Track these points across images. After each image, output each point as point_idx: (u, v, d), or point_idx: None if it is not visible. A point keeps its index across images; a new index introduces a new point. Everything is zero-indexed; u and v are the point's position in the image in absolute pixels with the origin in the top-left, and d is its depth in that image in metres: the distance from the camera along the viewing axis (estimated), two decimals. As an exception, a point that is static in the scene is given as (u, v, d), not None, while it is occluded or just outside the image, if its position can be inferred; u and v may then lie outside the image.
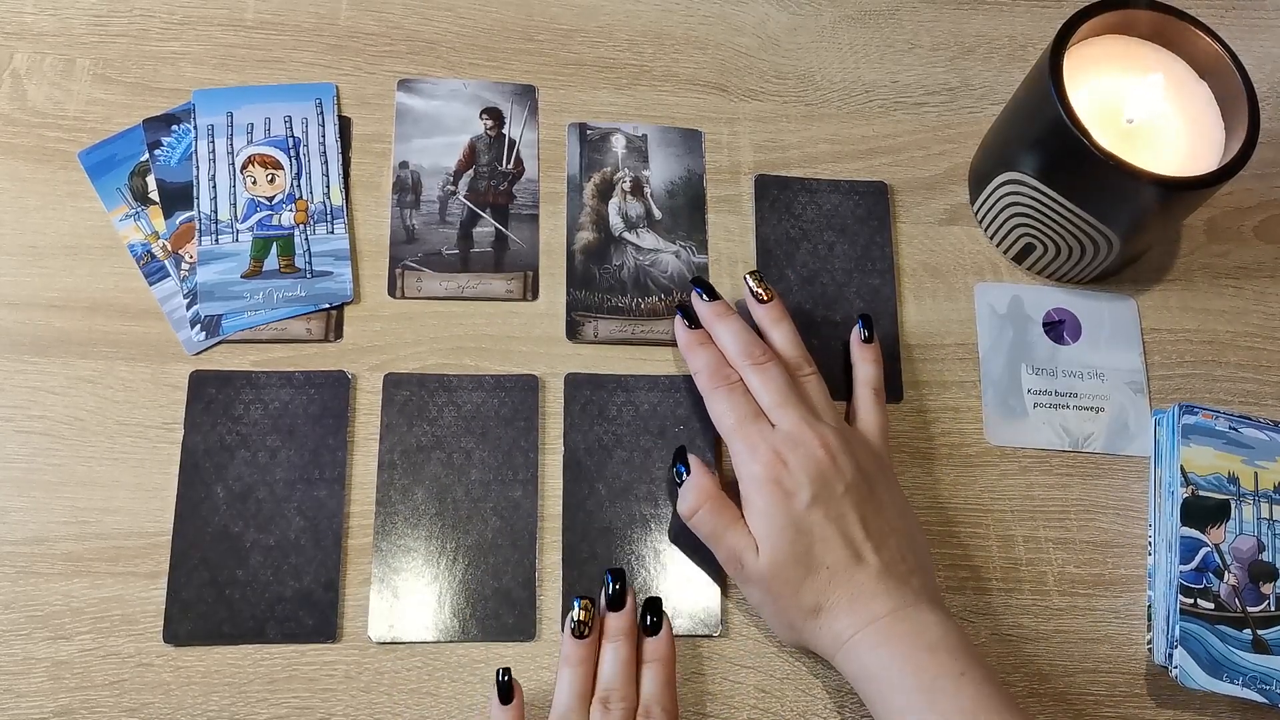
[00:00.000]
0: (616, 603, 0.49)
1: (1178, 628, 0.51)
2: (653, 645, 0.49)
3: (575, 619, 0.48)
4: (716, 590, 0.53)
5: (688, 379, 0.56)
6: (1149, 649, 0.53)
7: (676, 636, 0.52)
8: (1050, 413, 0.58)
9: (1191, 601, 0.52)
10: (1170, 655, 0.52)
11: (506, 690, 0.47)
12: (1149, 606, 0.54)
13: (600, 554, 0.53)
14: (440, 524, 0.52)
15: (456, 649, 0.51)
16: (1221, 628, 0.52)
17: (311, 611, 0.50)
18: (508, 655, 0.51)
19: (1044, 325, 0.60)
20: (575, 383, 0.56)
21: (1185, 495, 0.54)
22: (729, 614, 0.53)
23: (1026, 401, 0.58)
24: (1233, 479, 0.54)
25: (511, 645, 0.51)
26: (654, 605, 0.50)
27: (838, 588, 0.48)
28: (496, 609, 0.51)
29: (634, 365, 0.57)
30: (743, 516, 0.50)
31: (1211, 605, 0.52)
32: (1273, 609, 0.52)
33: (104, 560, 0.51)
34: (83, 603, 0.50)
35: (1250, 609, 0.52)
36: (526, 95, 0.62)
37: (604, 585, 0.50)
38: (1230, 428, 0.55)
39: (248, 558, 0.51)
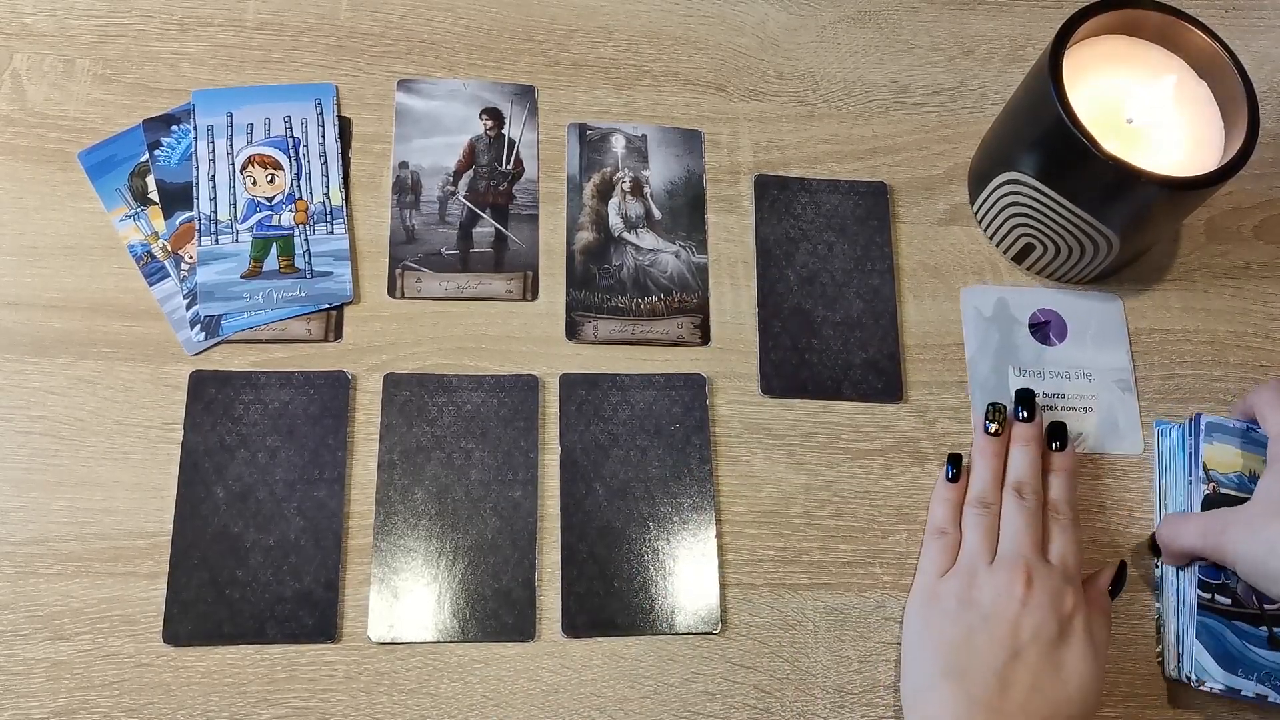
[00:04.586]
0: (1026, 420, 0.55)
1: (1195, 621, 0.51)
2: (1059, 458, 0.54)
3: (989, 421, 0.55)
4: (716, 589, 0.53)
5: (682, 377, 0.56)
6: (1159, 662, 0.54)
7: (675, 634, 0.52)
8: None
9: (1209, 596, 0.52)
10: (1179, 668, 0.52)
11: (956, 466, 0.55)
12: (1157, 620, 0.54)
13: (599, 554, 0.53)
14: (440, 524, 0.52)
15: (456, 649, 0.51)
16: (1238, 623, 0.52)
17: (311, 611, 0.50)
18: (508, 655, 0.51)
19: (1030, 326, 0.60)
20: (571, 382, 0.56)
21: (1207, 491, 0.54)
22: (729, 613, 0.53)
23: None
24: (1254, 478, 0.54)
25: (511, 645, 0.51)
26: (1059, 429, 0.55)
27: None
28: (496, 609, 0.51)
29: (633, 365, 0.57)
30: None
31: (1229, 601, 0.52)
32: None
33: (104, 560, 0.51)
34: (83, 603, 0.50)
35: (1267, 606, 0.52)
36: (526, 95, 0.62)
37: (1015, 407, 0.55)
38: (1248, 428, 0.55)
39: (248, 558, 0.51)
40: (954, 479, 0.54)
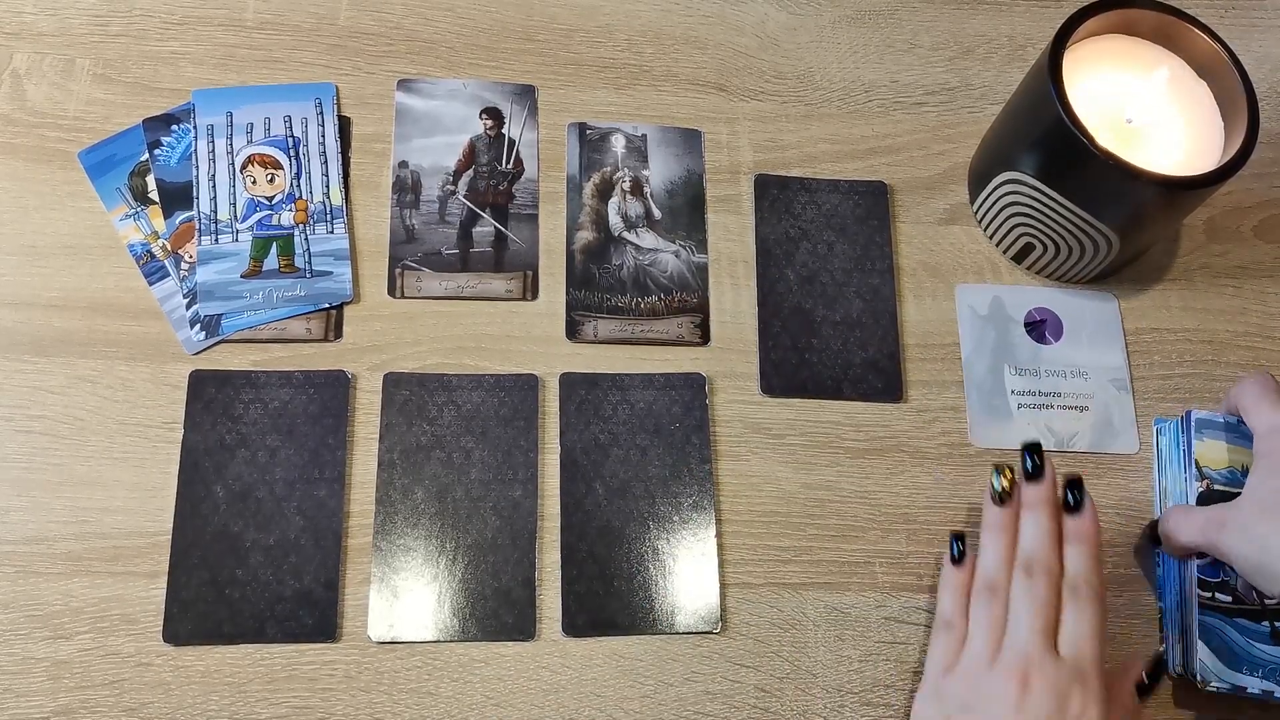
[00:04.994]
0: (1036, 474, 0.49)
1: (1196, 620, 0.51)
2: (1076, 523, 0.49)
3: (997, 487, 0.50)
4: (716, 588, 0.53)
5: (682, 377, 0.56)
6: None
7: (675, 634, 0.52)
8: (1034, 413, 0.58)
9: (1209, 595, 0.52)
10: (1184, 664, 0.52)
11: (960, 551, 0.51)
12: (1160, 619, 0.54)
13: (599, 553, 0.53)
14: (440, 523, 0.52)
15: (456, 648, 0.51)
16: (1240, 620, 0.52)
17: (311, 611, 0.50)
18: (508, 655, 0.51)
19: (1025, 325, 0.60)
20: (571, 382, 0.56)
21: (1200, 488, 0.54)
22: (729, 613, 0.53)
23: (1010, 403, 0.58)
24: (1245, 472, 0.54)
25: (511, 644, 0.51)
26: (1076, 484, 0.49)
27: None
28: (496, 608, 0.51)
29: (633, 365, 0.57)
30: None
31: (1229, 598, 0.52)
32: None
33: (104, 560, 0.51)
34: (83, 602, 0.50)
35: (1267, 602, 0.52)
36: (526, 95, 0.62)
37: (1021, 459, 0.50)
38: (1237, 422, 0.55)
39: (248, 557, 0.51)
40: (959, 560, 0.51)
